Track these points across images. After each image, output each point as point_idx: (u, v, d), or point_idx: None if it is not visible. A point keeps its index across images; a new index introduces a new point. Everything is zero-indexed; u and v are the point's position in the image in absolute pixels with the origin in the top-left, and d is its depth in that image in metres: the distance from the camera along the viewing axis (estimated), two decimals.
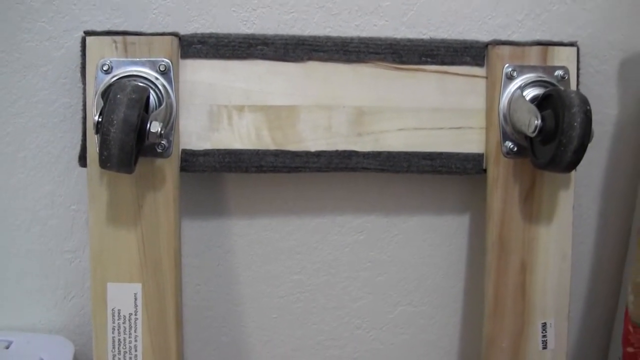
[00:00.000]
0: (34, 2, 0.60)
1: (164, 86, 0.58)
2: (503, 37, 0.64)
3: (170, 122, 0.59)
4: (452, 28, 0.64)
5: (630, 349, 0.66)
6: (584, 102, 0.55)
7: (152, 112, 0.57)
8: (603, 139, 0.68)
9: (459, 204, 0.68)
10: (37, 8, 0.60)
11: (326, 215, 0.67)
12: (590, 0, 0.65)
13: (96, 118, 0.55)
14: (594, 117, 0.55)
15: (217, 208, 0.66)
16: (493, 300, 0.63)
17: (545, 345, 0.64)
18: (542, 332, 0.64)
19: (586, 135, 0.54)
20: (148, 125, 0.54)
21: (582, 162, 0.56)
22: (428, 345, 0.72)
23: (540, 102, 0.59)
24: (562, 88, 0.60)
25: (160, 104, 0.58)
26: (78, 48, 0.59)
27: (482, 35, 0.64)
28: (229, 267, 0.68)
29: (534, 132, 0.56)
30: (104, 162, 0.53)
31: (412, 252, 0.69)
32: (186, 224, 0.66)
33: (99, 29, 0.60)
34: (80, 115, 0.60)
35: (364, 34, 0.63)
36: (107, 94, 0.57)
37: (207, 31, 0.62)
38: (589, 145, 0.55)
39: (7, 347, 0.62)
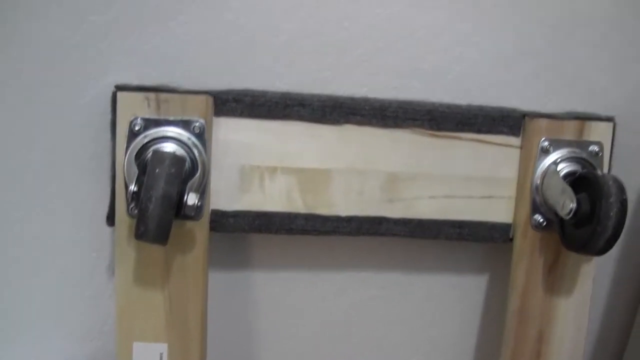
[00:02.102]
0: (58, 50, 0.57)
1: (196, 147, 0.57)
2: (539, 105, 0.63)
3: (202, 185, 0.57)
4: (489, 93, 0.63)
5: None
6: (621, 190, 0.55)
7: (186, 174, 0.55)
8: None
9: (478, 264, 0.69)
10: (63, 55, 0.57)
11: (348, 271, 0.67)
12: (629, 75, 0.64)
13: (132, 187, 0.54)
14: None
15: (240, 260, 0.65)
16: None
17: None
18: None
19: (621, 224, 0.55)
20: (185, 197, 0.53)
21: None
22: None
23: (574, 181, 0.59)
24: (599, 172, 0.60)
25: (193, 165, 0.56)
26: (104, 96, 0.57)
27: (519, 102, 0.63)
28: (250, 319, 0.67)
29: (568, 214, 0.57)
30: (140, 236, 0.52)
31: (429, 309, 0.69)
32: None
33: (126, 74, 0.58)
34: (105, 167, 0.59)
35: (401, 96, 0.62)
36: (140, 158, 0.56)
37: (240, 85, 0.59)
38: None
39: None
